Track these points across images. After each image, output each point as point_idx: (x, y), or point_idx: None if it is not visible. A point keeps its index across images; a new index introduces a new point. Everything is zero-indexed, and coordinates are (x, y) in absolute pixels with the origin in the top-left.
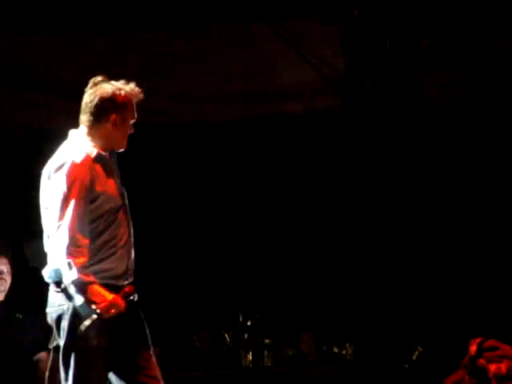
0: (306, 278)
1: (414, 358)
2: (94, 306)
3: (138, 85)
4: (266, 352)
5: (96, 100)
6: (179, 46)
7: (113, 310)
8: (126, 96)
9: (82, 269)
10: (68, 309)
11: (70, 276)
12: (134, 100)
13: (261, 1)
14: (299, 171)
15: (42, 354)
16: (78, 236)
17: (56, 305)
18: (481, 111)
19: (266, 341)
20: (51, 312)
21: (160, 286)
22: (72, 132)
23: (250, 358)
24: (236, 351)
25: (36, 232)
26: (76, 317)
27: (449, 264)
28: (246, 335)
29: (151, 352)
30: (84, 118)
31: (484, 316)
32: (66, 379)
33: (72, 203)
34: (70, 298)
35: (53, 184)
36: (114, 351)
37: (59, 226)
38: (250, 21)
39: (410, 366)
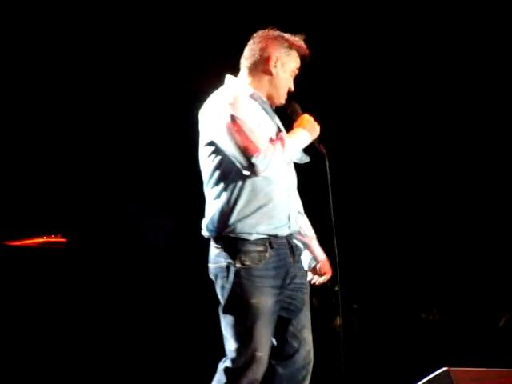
0: (393, 244)
1: (501, 324)
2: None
3: None
4: (353, 317)
5: (259, 41)
6: None
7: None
8: (291, 43)
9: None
10: (225, 267)
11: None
12: (298, 51)
13: None
14: None
15: None
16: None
17: (214, 261)
18: None
19: (354, 306)
20: (210, 268)
21: None
22: (229, 77)
23: (338, 322)
24: (324, 315)
25: None
26: (233, 275)
27: None
28: (333, 300)
29: (304, 311)
30: (244, 61)
31: None
32: (226, 338)
33: (243, 126)
34: (224, 255)
35: (212, 122)
36: (278, 307)
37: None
38: None
39: (497, 332)
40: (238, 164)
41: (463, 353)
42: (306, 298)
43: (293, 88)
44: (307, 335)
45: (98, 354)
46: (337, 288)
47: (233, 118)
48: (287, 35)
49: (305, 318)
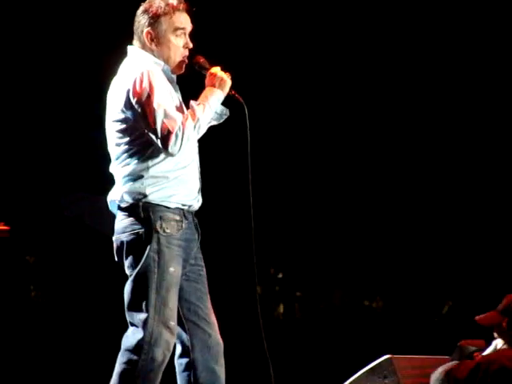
0: (337, 232)
1: (444, 311)
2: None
3: None
4: (296, 305)
5: (135, 21)
6: None
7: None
8: (157, 8)
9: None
10: (143, 234)
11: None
12: (172, 12)
13: None
14: None
15: None
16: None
17: (127, 230)
18: None
19: (297, 293)
20: (121, 237)
21: None
22: (131, 48)
23: (282, 310)
24: (267, 303)
25: None
26: (152, 242)
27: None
28: (277, 288)
29: (207, 294)
30: (134, 40)
31: None
32: (136, 307)
33: (157, 105)
34: (143, 222)
35: (126, 98)
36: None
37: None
38: None
39: (440, 319)
40: (154, 143)
41: (406, 340)
42: (206, 280)
43: (191, 44)
44: (214, 318)
45: (38, 344)
46: (280, 275)
47: (150, 98)
48: (153, 2)
49: (209, 301)
